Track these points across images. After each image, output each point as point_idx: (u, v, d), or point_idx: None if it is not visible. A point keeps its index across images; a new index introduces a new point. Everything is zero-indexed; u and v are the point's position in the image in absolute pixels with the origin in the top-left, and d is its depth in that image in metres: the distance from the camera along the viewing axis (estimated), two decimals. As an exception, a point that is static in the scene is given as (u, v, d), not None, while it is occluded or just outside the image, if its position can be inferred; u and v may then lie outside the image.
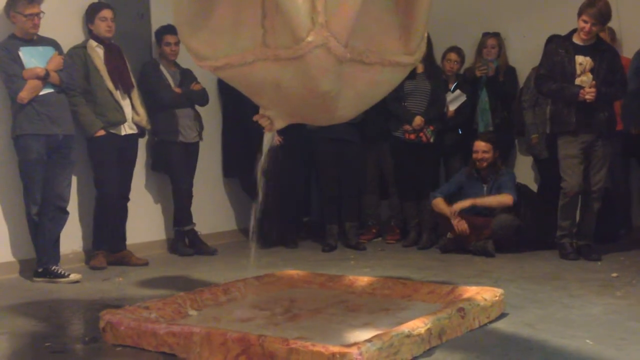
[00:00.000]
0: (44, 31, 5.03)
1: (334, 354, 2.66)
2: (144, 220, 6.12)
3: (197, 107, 6.21)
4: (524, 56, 6.56)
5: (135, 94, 5.64)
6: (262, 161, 3.66)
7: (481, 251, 5.73)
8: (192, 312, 3.66)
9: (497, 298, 3.61)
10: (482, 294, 3.59)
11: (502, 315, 3.63)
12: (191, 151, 6.18)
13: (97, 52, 5.47)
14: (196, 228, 6.23)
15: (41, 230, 4.98)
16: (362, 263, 5.55)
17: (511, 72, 6.66)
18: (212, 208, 6.75)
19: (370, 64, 3.13)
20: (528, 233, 5.89)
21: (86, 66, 5.40)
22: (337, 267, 5.31)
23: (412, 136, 6.20)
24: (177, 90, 6.04)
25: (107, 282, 4.90)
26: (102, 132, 5.40)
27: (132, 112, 5.60)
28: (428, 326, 3.04)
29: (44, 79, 4.90)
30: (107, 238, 5.57)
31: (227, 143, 6.86)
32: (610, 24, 5.70)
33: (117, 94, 5.49)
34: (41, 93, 4.91)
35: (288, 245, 6.44)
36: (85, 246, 5.66)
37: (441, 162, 6.73)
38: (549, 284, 4.49)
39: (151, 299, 3.77)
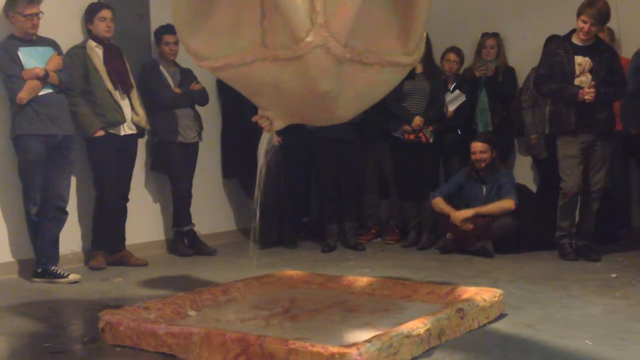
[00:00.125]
0: (43, 31, 5.03)
1: (333, 355, 2.66)
2: (144, 221, 6.12)
3: (197, 107, 6.21)
4: (523, 56, 6.56)
5: (134, 94, 5.64)
6: (260, 161, 3.66)
7: (480, 252, 5.73)
8: (192, 313, 3.66)
9: (496, 298, 3.61)
10: (482, 294, 3.59)
11: (502, 316, 3.63)
12: (191, 151, 6.18)
13: (97, 53, 5.47)
14: (195, 228, 6.22)
15: (40, 230, 4.98)
16: (362, 263, 5.55)
17: (510, 72, 6.66)
18: (211, 208, 6.75)
19: (370, 64, 3.13)
20: (527, 233, 5.88)
21: (85, 66, 5.40)
22: (336, 267, 5.31)
23: (412, 136, 6.20)
24: (177, 90, 6.04)
25: (107, 283, 4.90)
26: (101, 133, 5.40)
27: (131, 113, 5.59)
28: (427, 327, 3.04)
29: (44, 80, 4.90)
30: (107, 238, 5.57)
31: (227, 143, 6.86)
32: (609, 24, 5.71)
33: (117, 94, 5.49)
34: (40, 93, 4.91)
35: (287, 246, 6.44)
36: (84, 246, 5.66)
37: (440, 162, 6.73)
38: (549, 285, 4.49)
39: (150, 300, 3.77)
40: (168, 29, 5.85)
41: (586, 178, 5.42)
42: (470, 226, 5.78)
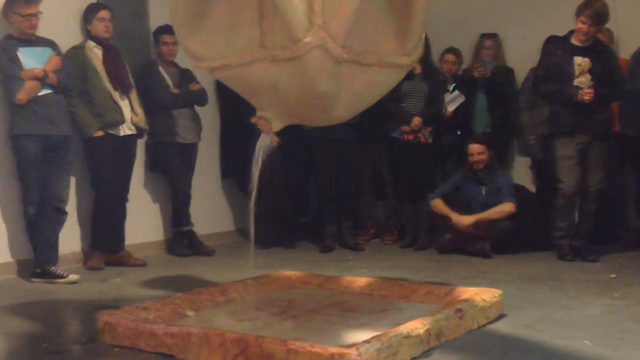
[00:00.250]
0: (41, 32, 5.03)
1: (332, 355, 2.66)
2: (142, 221, 6.12)
3: (196, 108, 6.21)
4: (522, 57, 6.56)
5: (133, 94, 5.63)
6: (257, 163, 3.65)
7: (479, 252, 5.73)
8: (190, 313, 3.65)
9: (495, 299, 3.61)
10: (481, 294, 3.58)
11: (501, 316, 3.63)
12: (189, 152, 6.18)
13: (95, 53, 5.46)
14: (194, 229, 6.22)
15: (39, 230, 4.97)
16: (360, 264, 5.55)
17: (509, 73, 6.67)
18: (210, 209, 6.75)
19: (368, 65, 3.13)
20: (526, 234, 5.88)
21: (84, 67, 5.39)
22: (334, 267, 5.30)
23: (411, 137, 6.20)
24: (175, 90, 6.04)
25: (105, 283, 4.89)
26: (100, 133, 5.40)
27: (130, 113, 5.59)
28: (426, 327, 3.03)
29: (43, 80, 4.89)
30: (105, 239, 5.57)
31: (225, 144, 6.86)
32: (607, 25, 5.72)
33: (116, 95, 5.48)
34: (39, 94, 4.90)
35: (285, 246, 6.44)
36: (83, 247, 5.66)
37: (439, 163, 6.73)
38: (547, 285, 4.49)
39: (149, 300, 3.76)
40: (166, 29, 5.84)
41: (584, 179, 5.42)
42: (470, 229, 5.78)
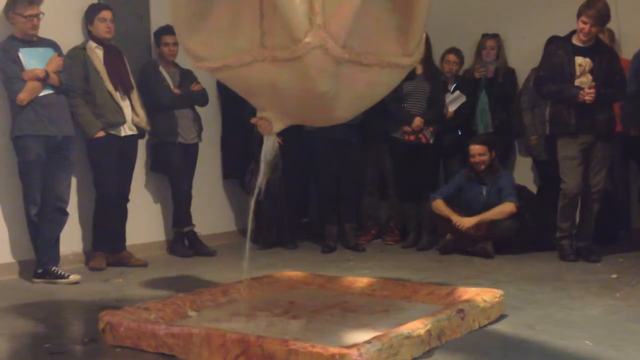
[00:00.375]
0: (43, 32, 5.03)
1: (333, 355, 2.66)
2: (144, 221, 6.12)
3: (197, 108, 6.21)
4: (524, 57, 6.56)
5: (135, 95, 5.64)
6: (262, 167, 3.65)
7: (480, 252, 5.73)
8: (192, 313, 3.66)
9: (496, 299, 3.61)
10: (482, 295, 3.58)
11: (502, 317, 3.63)
12: (190, 152, 6.18)
13: (97, 54, 5.47)
14: (195, 229, 6.22)
15: (41, 231, 4.98)
16: (362, 264, 5.55)
17: (510, 73, 6.66)
18: (211, 209, 6.75)
19: (369, 65, 3.14)
20: (527, 234, 5.88)
21: (86, 67, 5.40)
22: (336, 268, 5.30)
23: (412, 137, 6.20)
24: (176, 90, 6.04)
25: (107, 283, 4.90)
26: (101, 134, 5.40)
27: (131, 113, 5.59)
28: (428, 327, 3.03)
29: (44, 81, 4.90)
30: (107, 239, 5.57)
31: (227, 144, 6.86)
32: (609, 26, 5.71)
33: (117, 95, 5.49)
34: (41, 94, 4.91)
35: (287, 246, 6.44)
36: (84, 247, 5.66)
37: (440, 163, 6.73)
38: (549, 285, 4.49)
39: (151, 300, 3.76)
40: (167, 30, 5.85)
41: (586, 179, 5.42)
42: (472, 231, 5.78)
